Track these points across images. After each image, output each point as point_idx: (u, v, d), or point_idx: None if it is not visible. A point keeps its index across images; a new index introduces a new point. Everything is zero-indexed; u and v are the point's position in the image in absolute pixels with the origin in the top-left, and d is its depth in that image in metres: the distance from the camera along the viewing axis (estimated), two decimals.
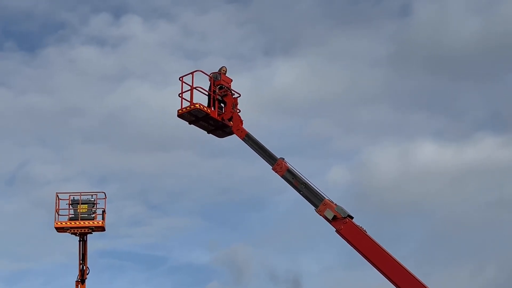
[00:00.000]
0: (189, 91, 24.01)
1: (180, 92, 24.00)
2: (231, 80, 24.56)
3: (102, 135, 64.82)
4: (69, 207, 29.29)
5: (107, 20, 69.77)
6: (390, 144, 59.30)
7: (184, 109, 23.77)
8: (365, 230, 21.42)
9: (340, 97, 61.93)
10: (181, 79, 24.15)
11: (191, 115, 23.84)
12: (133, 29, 67.54)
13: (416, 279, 20.49)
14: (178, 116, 23.93)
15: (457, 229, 53.70)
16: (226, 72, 24.53)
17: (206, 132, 24.62)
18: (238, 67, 61.62)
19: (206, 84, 24.41)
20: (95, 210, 29.25)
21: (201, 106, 23.60)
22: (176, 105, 24.02)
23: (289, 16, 67.16)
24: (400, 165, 56.63)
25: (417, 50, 61.16)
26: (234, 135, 24.18)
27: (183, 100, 23.95)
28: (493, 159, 54.68)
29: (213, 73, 24.48)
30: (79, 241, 29.38)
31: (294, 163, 22.89)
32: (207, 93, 24.15)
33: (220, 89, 24.23)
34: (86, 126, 63.31)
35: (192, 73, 24.22)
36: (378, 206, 54.68)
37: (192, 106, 23.64)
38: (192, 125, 24.28)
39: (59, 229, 29.11)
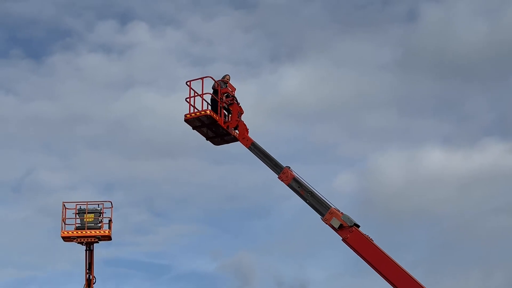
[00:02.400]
0: (197, 97, 24.04)
1: (188, 96, 23.99)
2: (235, 89, 24.63)
3: (108, 142, 64.95)
4: (75, 216, 29.34)
5: (113, 27, 69.99)
6: (397, 150, 59.16)
7: (193, 114, 23.76)
8: (371, 239, 21.38)
9: (346, 102, 61.93)
10: (189, 83, 24.13)
11: (199, 121, 23.85)
12: (139, 36, 67.71)
13: None
14: (185, 120, 23.91)
15: (465, 236, 53.56)
16: (229, 79, 24.59)
17: (205, 138, 24.60)
18: (244, 73, 61.80)
19: (208, 89, 24.39)
20: (101, 219, 29.30)
21: (212, 113, 23.60)
22: (183, 112, 24.07)
23: (295, 21, 67.23)
24: (407, 172, 56.49)
25: (424, 55, 61.11)
26: (230, 143, 24.33)
27: (190, 105, 23.94)
28: (501, 165, 54.50)
29: (217, 80, 24.48)
30: (86, 250, 29.44)
31: (300, 170, 22.93)
32: (216, 100, 24.11)
33: (227, 97, 24.27)
34: (92, 133, 63.38)
35: (202, 78, 24.26)
36: (384, 213, 54.56)
37: (202, 112, 23.64)
38: (195, 130, 24.26)
39: (66, 239, 29.14)
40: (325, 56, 65.13)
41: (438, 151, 57.36)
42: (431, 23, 60.92)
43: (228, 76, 24.65)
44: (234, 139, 24.29)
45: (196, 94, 24.08)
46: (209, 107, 24.06)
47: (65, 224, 29.34)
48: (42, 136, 64.36)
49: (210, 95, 24.24)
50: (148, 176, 62.06)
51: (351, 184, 57.70)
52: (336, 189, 54.90)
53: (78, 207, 29.41)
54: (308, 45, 66.92)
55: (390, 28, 66.76)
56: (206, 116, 23.59)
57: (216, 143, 24.77)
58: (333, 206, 21.97)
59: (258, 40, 69.00)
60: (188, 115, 23.84)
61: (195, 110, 23.85)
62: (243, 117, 24.31)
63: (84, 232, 28.97)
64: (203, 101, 24.03)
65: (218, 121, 23.79)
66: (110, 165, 62.77)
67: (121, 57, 68.64)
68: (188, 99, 24.00)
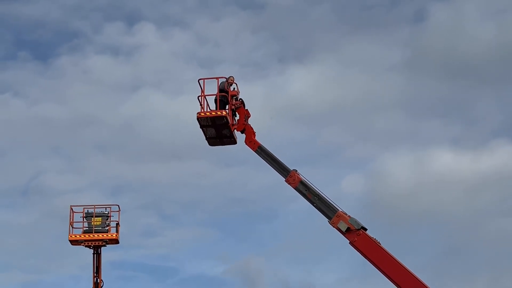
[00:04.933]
0: (205, 97, 23.94)
1: (201, 95, 23.85)
2: (239, 92, 24.60)
3: (116, 145, 64.92)
4: (83, 220, 29.40)
5: (120, 28, 70.02)
6: (405, 152, 58.99)
7: (208, 113, 23.64)
8: (379, 242, 21.33)
9: (354, 104, 61.67)
10: (202, 82, 24.04)
11: (210, 120, 23.72)
12: (146, 38, 67.72)
13: None
14: (198, 118, 23.71)
15: (473, 239, 53.30)
16: (233, 81, 24.52)
17: (205, 137, 24.45)
18: (252, 75, 61.76)
19: (215, 90, 24.28)
20: (109, 223, 29.35)
21: (227, 115, 23.55)
22: (191, 113, 24.03)
23: (303, 22, 67.05)
24: (415, 174, 56.25)
25: (433, 56, 60.76)
26: (234, 146, 24.37)
27: (202, 104, 23.85)
28: (510, 167, 54.24)
29: (222, 82, 24.43)
30: (93, 253, 29.47)
31: (308, 172, 22.89)
32: (222, 101, 23.98)
33: (236, 100, 24.23)
34: (100, 135, 63.42)
35: (217, 78, 24.20)
36: (392, 215, 54.37)
37: (218, 113, 23.54)
38: (201, 128, 24.11)
39: (73, 242, 29.21)
40: (333, 58, 65.10)
41: (446, 153, 57.21)
42: (439, 24, 60.84)
43: (232, 78, 24.56)
44: (233, 142, 24.30)
45: (203, 94, 23.94)
46: (216, 108, 23.93)
47: (72, 227, 29.42)
48: (50, 139, 64.44)
49: (215, 95, 24.12)
50: (155, 178, 62.05)
51: (358, 186, 57.65)
52: (343, 191, 54.87)
53: (85, 210, 29.50)
54: (316, 47, 66.92)
55: (398, 29, 66.76)
56: (222, 117, 23.51)
57: (213, 143, 24.65)
58: (340, 210, 21.93)
59: (266, 41, 69.04)
60: (202, 113, 23.68)
61: (210, 110, 23.78)
62: (249, 120, 24.27)
63: (91, 236, 29.03)
64: (218, 101, 23.89)
65: (230, 123, 23.74)
66: (117, 167, 62.83)
67: (128, 59, 68.76)
68: (200, 97, 23.89)
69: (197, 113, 23.71)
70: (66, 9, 70.99)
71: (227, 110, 23.95)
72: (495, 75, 60.58)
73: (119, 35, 69.23)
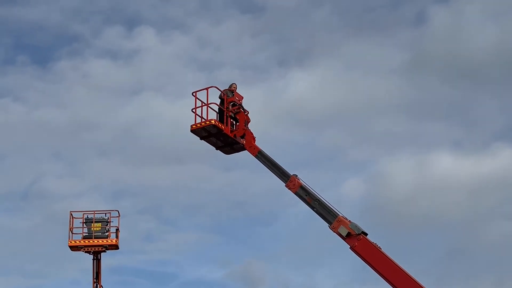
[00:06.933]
0: (204, 107, 24.02)
1: (194, 107, 24.03)
2: (242, 98, 24.54)
3: (116, 149, 64.83)
4: (83, 225, 29.41)
5: (120, 32, 69.96)
6: (406, 155, 58.90)
7: (198, 125, 23.76)
8: (379, 247, 21.25)
9: (355, 107, 61.52)
10: (194, 94, 24.16)
11: (205, 131, 23.82)
12: (146, 41, 67.63)
13: None
14: (191, 131, 23.90)
15: (475, 243, 53.19)
16: (236, 88, 24.52)
17: (214, 148, 24.57)
18: (252, 78, 61.69)
19: (215, 98, 24.34)
20: (108, 229, 29.36)
21: (217, 123, 23.56)
22: (191, 118, 24.05)
23: (304, 25, 66.95)
24: (416, 177, 56.14)
25: (434, 58, 60.52)
26: (241, 152, 24.23)
27: (196, 115, 23.96)
28: None
29: (224, 90, 24.44)
30: (93, 259, 29.46)
31: (308, 176, 22.85)
32: (222, 110, 24.05)
33: (233, 106, 24.19)
34: (100, 140, 63.33)
35: (207, 88, 24.26)
36: (393, 219, 54.31)
37: (207, 122, 23.63)
38: (203, 140, 24.24)
39: (73, 248, 29.26)
40: (334, 60, 64.93)
41: (447, 156, 57.09)
42: (440, 27, 60.71)
43: (234, 85, 24.60)
44: (243, 148, 24.24)
45: (202, 104, 24.05)
46: (217, 117, 24.00)
47: (72, 233, 29.43)
48: (50, 143, 64.40)
49: (218, 106, 24.18)
50: (156, 183, 61.99)
51: (359, 189, 57.58)
52: (344, 195, 54.80)
53: (85, 216, 29.52)
54: (317, 49, 66.70)
55: (400, 31, 66.69)
56: (212, 125, 23.58)
57: (227, 152, 24.76)
58: (340, 214, 21.84)
59: (266, 44, 69.01)
60: (194, 126, 23.84)
61: (201, 120, 23.84)
62: (250, 125, 24.23)
63: (91, 241, 29.03)
64: (208, 110, 23.99)
65: (224, 130, 23.74)
66: (118, 172, 62.74)
67: (128, 63, 68.70)
68: (194, 110, 24.00)
69: (190, 127, 23.81)
70: (66, 13, 71.02)
71: (226, 118, 23.92)
72: (497, 78, 60.48)
73: (119, 39, 69.28)
